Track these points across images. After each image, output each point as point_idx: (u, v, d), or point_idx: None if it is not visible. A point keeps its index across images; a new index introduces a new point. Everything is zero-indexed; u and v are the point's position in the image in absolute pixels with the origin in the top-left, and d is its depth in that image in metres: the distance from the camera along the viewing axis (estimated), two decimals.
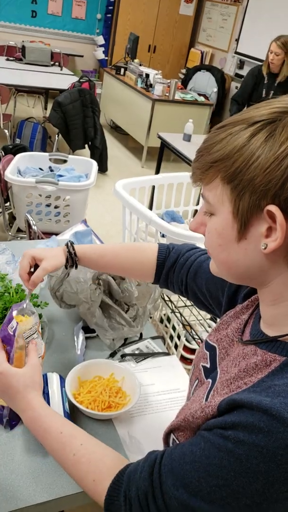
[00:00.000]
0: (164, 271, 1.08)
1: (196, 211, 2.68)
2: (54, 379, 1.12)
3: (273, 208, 0.57)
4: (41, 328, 1.30)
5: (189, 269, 1.03)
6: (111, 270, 1.14)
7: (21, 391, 0.84)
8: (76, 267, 1.10)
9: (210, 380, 0.76)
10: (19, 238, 2.81)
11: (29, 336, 1.03)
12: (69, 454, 0.76)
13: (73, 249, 1.09)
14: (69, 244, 1.09)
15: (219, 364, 0.78)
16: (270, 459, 0.53)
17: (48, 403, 1.05)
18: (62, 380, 1.14)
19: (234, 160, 0.60)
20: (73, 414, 1.12)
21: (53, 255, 1.08)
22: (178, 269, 1.05)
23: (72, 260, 1.09)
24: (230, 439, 0.58)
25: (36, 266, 1.07)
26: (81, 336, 1.37)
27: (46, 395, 1.07)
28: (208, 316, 2.13)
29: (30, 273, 1.07)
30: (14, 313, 0.99)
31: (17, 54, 5.79)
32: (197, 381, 0.84)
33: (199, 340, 1.75)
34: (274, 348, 0.65)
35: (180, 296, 2.08)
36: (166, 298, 1.98)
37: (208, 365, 0.82)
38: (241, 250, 0.64)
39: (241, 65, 6.50)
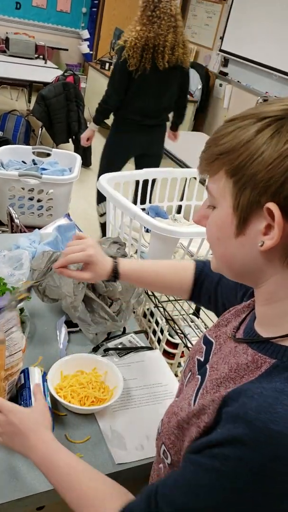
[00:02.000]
0: (196, 289, 1.09)
1: (180, 206, 2.68)
2: (36, 373, 1.11)
3: (272, 206, 0.57)
4: (23, 322, 1.28)
5: (217, 282, 1.05)
6: (150, 288, 1.21)
7: (33, 429, 0.85)
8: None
9: (199, 377, 0.76)
10: (0, 232, 2.78)
11: (8, 330, 1.02)
12: (77, 488, 0.75)
13: (117, 271, 1.06)
14: (114, 261, 1.07)
15: (210, 359, 0.78)
16: (258, 473, 0.53)
17: (30, 397, 1.03)
18: (44, 374, 1.12)
19: (239, 154, 0.60)
20: (55, 408, 1.11)
21: (106, 272, 1.05)
22: (207, 284, 1.07)
23: (115, 277, 1.06)
24: (218, 457, 0.57)
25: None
26: (64, 331, 1.35)
27: (27, 389, 1.05)
28: (191, 311, 2.14)
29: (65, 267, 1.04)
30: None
31: (0, 46, 5.71)
32: (190, 373, 0.84)
33: (182, 335, 1.75)
34: (265, 349, 0.65)
35: None
36: (150, 293, 1.98)
37: (202, 359, 0.82)
38: (239, 245, 0.64)
39: (225, 62, 6.51)
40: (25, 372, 1.10)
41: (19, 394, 1.07)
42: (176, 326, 1.80)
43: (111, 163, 3.23)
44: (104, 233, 3.39)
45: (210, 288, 1.06)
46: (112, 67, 3.32)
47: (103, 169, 3.13)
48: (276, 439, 0.52)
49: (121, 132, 3.18)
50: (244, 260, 0.64)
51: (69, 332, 1.36)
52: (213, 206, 0.67)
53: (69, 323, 1.38)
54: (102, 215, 3.55)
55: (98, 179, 2.00)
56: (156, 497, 0.64)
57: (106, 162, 3.29)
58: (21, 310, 1.32)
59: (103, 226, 3.51)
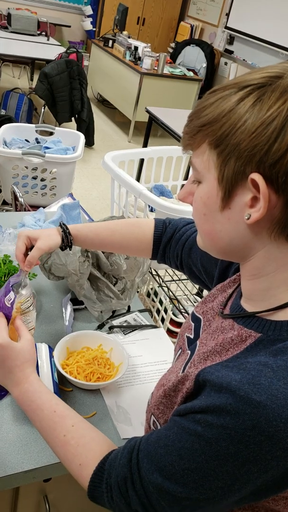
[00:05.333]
0: (161, 247, 1.07)
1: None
2: (43, 349, 1.12)
3: (256, 176, 0.56)
4: None
5: (184, 244, 1.02)
6: (107, 248, 1.11)
7: (18, 364, 0.84)
8: (71, 247, 1.08)
9: (189, 352, 0.77)
10: (4, 211, 2.77)
11: (27, 309, 1.02)
12: (60, 435, 0.75)
13: (67, 228, 1.06)
14: (61, 223, 1.07)
15: (201, 335, 0.78)
16: (238, 441, 0.54)
17: (38, 373, 1.04)
18: (51, 350, 1.14)
19: (222, 124, 0.58)
20: (62, 384, 1.12)
21: (48, 234, 1.05)
22: (174, 244, 1.05)
23: (67, 239, 1.06)
24: (200, 423, 0.58)
25: (32, 247, 1.05)
26: (69, 308, 1.36)
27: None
28: (195, 291, 2.15)
29: (26, 255, 1.04)
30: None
31: (2, 22, 5.62)
32: (180, 350, 0.85)
33: (186, 314, 1.76)
34: (251, 324, 0.65)
35: (168, 271, 2.08)
36: (154, 273, 1.99)
37: (192, 336, 0.82)
38: (225, 220, 0.62)
39: (231, 40, 6.41)
40: None
41: None
42: (180, 306, 1.81)
43: None
44: None
45: (177, 250, 1.04)
46: None
47: None
48: (257, 409, 0.53)
49: None
50: (231, 235, 0.63)
51: (74, 310, 1.37)
52: (198, 181, 0.65)
53: (75, 301, 1.39)
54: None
55: None
56: (138, 453, 0.66)
57: None
58: None
59: None
